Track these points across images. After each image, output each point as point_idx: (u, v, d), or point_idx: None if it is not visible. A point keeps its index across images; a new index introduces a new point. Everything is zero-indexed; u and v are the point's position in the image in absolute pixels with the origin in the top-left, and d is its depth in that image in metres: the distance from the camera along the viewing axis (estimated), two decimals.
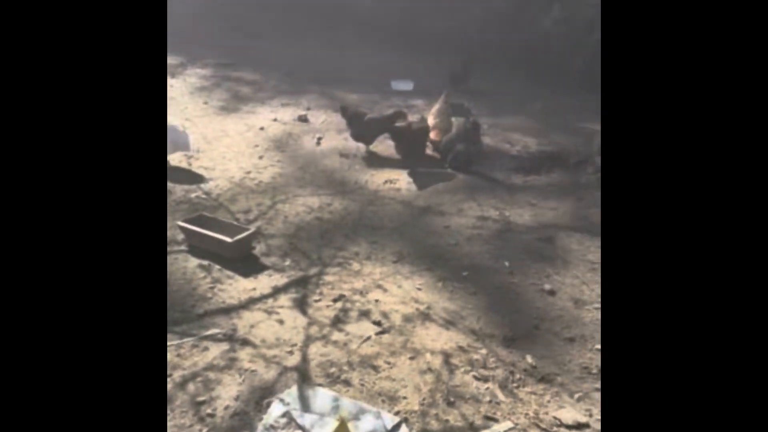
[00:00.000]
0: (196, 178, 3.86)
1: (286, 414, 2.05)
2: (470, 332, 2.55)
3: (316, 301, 2.73)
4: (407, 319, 2.63)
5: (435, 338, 2.50)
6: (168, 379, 2.22)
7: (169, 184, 3.70)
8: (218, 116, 4.90)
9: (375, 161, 4.35)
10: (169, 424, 2.03)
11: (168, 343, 2.40)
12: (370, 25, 7.17)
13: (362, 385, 2.22)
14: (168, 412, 2.08)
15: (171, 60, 6.14)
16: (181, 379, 2.22)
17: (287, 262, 3.02)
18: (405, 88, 5.77)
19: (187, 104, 5.04)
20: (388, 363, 2.34)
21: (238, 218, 3.39)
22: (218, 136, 4.49)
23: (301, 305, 2.69)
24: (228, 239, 2.96)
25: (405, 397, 2.17)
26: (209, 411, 2.10)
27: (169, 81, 5.54)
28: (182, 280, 2.84)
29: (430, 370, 2.31)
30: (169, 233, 3.20)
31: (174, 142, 3.84)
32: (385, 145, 4.53)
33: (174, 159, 3.97)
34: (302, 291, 2.79)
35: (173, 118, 4.01)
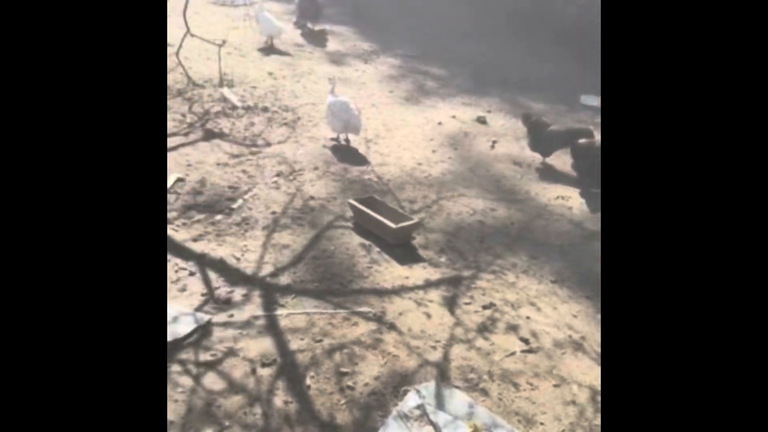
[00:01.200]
0: (369, 161, 4.05)
1: (420, 407, 2.09)
2: None
3: (466, 303, 2.73)
4: (558, 344, 2.52)
5: (585, 371, 2.37)
6: (318, 345, 2.37)
7: (346, 164, 3.92)
8: (401, 106, 5.08)
9: (549, 174, 4.21)
10: (312, 386, 2.18)
11: (322, 311, 2.57)
12: (572, 34, 6.92)
13: (500, 399, 2.19)
14: (313, 375, 2.22)
15: (366, 46, 6.48)
16: (329, 347, 2.37)
17: (443, 259, 3.06)
18: (596, 104, 5.49)
19: (375, 91, 5.29)
20: (530, 384, 2.27)
21: (403, 206, 3.50)
22: (398, 125, 4.66)
23: (451, 304, 2.71)
24: (392, 225, 3.07)
25: (542, 424, 2.10)
26: (350, 383, 2.21)
27: (362, 66, 5.85)
28: (344, 255, 3.01)
29: (574, 402, 2.21)
30: (339, 209, 3.40)
31: (346, 121, 4.04)
32: (562, 160, 4.37)
33: (354, 141, 4.20)
34: (453, 290, 2.81)
35: (352, 100, 4.23)
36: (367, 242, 3.12)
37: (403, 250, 3.07)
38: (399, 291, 2.78)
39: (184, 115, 4.21)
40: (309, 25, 6.57)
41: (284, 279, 2.77)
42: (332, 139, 4.18)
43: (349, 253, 3.03)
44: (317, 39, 6.41)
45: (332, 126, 4.11)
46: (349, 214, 3.33)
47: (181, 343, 2.29)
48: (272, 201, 3.40)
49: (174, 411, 2.00)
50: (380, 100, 5.11)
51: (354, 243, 3.12)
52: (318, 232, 3.18)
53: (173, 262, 2.77)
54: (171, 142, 3.76)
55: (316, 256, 2.97)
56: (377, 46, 6.42)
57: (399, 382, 2.22)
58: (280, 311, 2.54)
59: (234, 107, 4.48)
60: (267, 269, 2.83)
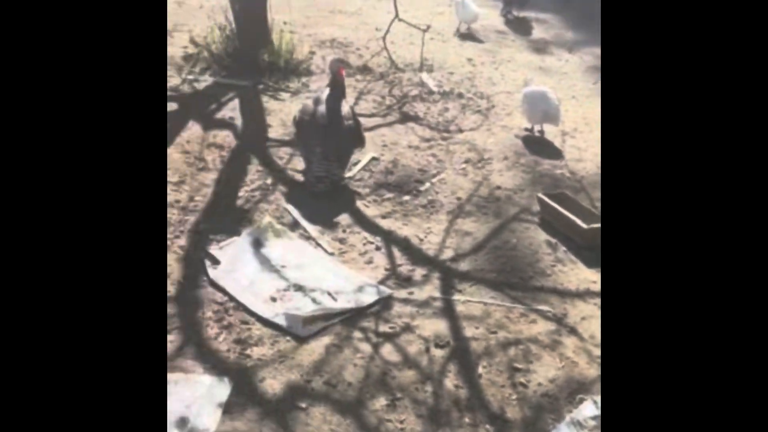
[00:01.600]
0: (563, 155, 3.87)
1: (596, 417, 1.97)
2: None
3: None
4: None
5: None
6: (493, 336, 2.35)
7: (537, 157, 3.80)
8: None
9: None
10: (484, 376, 2.17)
11: (500, 303, 2.54)
12: None
13: None
14: (485, 365, 2.21)
15: (571, 35, 6.17)
16: (504, 341, 2.34)
17: None
18: None
19: (576, 82, 5.03)
20: None
21: (597, 206, 3.29)
22: (598, 120, 4.38)
23: None
24: (583, 224, 2.91)
25: None
26: (522, 380, 2.16)
27: (565, 56, 5.59)
28: (528, 250, 2.93)
29: None
30: (526, 201, 3.31)
31: (544, 111, 3.88)
32: None
33: (549, 133, 4.04)
34: None
35: (551, 90, 4.05)
36: (553, 240, 3.00)
37: (592, 253, 2.90)
38: (583, 295, 2.64)
39: (383, 98, 4.41)
40: (514, 12, 6.43)
41: (464, 265, 2.79)
42: (526, 130, 4.07)
43: (532, 249, 2.94)
44: (521, 26, 6.26)
45: (528, 116, 4.00)
46: (536, 208, 3.23)
47: (364, 311, 2.43)
48: (458, 187, 3.43)
49: (352, 374, 2.14)
50: (581, 92, 4.85)
51: (539, 239, 3.02)
52: (502, 222, 3.13)
53: (362, 236, 2.94)
54: (370, 122, 3.96)
55: (498, 246, 2.94)
56: (584, 36, 6.08)
57: (575, 389, 2.12)
58: (457, 296, 2.57)
59: (430, 92, 4.58)
60: (448, 253, 2.87)
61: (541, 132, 4.04)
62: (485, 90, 4.67)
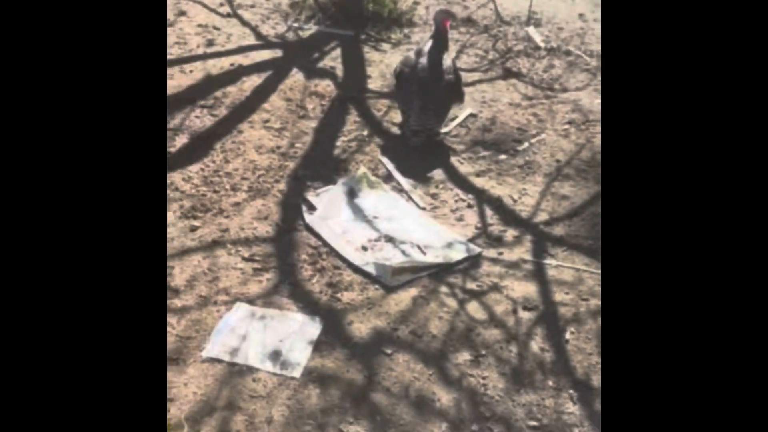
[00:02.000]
0: None
1: None
2: None
3: None
4: None
5: None
6: (584, 303, 2.30)
7: None
8: None
9: None
10: (571, 342, 2.14)
11: (594, 270, 2.46)
12: None
13: None
14: (573, 331, 2.18)
15: None
16: (595, 308, 2.29)
17: None
18: None
19: None
20: None
21: None
22: None
23: None
24: None
25: None
26: None
27: None
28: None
29: None
30: None
31: None
32: None
33: None
34: None
35: None
36: None
37: None
38: None
39: (486, 52, 4.29)
40: None
41: (558, 230, 2.72)
42: None
43: None
44: None
45: None
46: None
47: (452, 267, 2.45)
48: (559, 149, 3.31)
49: (437, 327, 2.18)
50: None
51: None
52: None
53: (454, 192, 2.94)
54: (470, 77, 3.88)
55: (596, 213, 2.83)
56: None
57: None
58: (549, 260, 2.52)
59: (536, 48, 4.40)
60: (542, 216, 2.81)
61: None
62: (595, 48, 4.41)
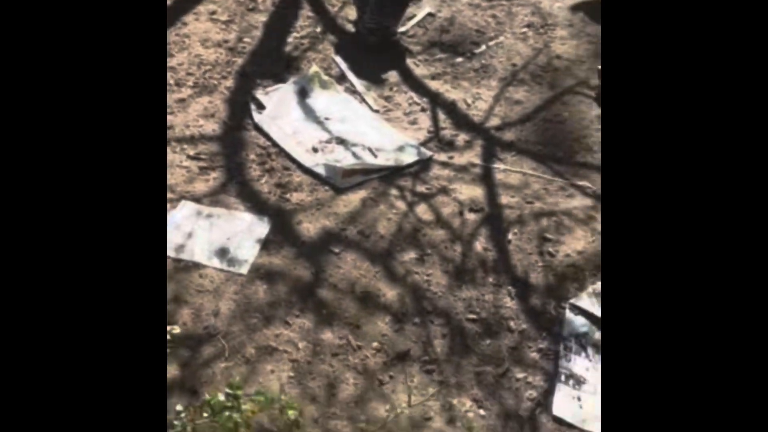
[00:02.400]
0: None
1: None
2: None
3: None
4: None
5: None
6: (528, 206, 2.38)
7: None
8: None
9: None
10: (513, 242, 2.23)
11: (540, 175, 2.53)
12: None
13: None
14: (516, 232, 2.27)
15: None
16: (538, 211, 2.37)
17: None
18: None
19: None
20: None
21: None
22: None
23: None
24: None
25: None
26: (551, 250, 2.22)
27: None
28: (578, 125, 2.85)
29: None
30: (585, 74, 3.15)
31: None
32: None
33: None
34: None
35: None
36: None
37: None
38: None
39: None
40: None
41: (509, 135, 2.75)
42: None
43: (583, 124, 2.85)
44: None
45: None
46: (596, 81, 3.08)
47: (402, 170, 2.46)
48: (516, 52, 3.27)
49: (385, 228, 2.23)
50: None
51: (592, 114, 2.92)
52: (555, 94, 3.02)
53: (408, 95, 2.90)
54: None
55: (547, 119, 2.86)
56: None
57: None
58: (497, 165, 2.56)
59: None
60: (494, 121, 2.82)
61: None
62: None
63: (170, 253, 2.01)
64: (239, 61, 2.88)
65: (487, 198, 2.40)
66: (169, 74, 2.72)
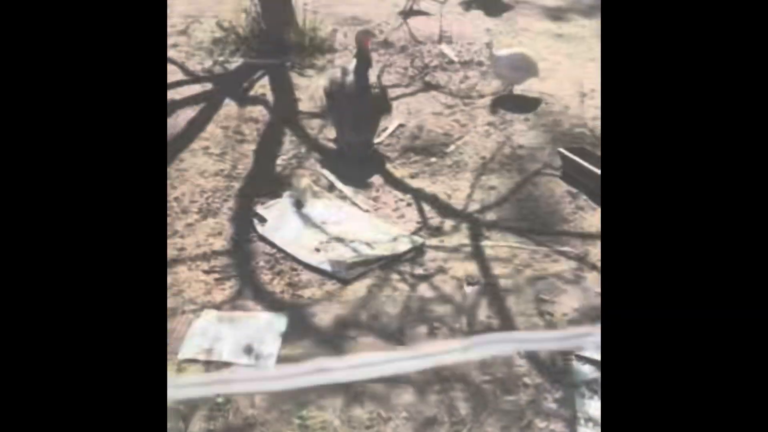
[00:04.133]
0: (583, 116, 4.07)
1: None
2: None
3: None
4: None
5: None
6: (520, 274, 2.61)
7: (556, 118, 4.01)
8: None
9: None
10: (513, 308, 2.43)
11: (525, 246, 2.79)
12: None
13: None
14: (514, 298, 2.48)
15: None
16: (531, 276, 2.60)
17: None
18: None
19: (594, 46, 5.20)
20: None
21: None
22: None
23: None
24: (598, 172, 3.13)
25: None
26: (549, 309, 2.42)
27: (582, 21, 5.75)
28: (550, 200, 3.18)
29: None
30: (548, 158, 3.53)
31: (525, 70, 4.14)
32: None
33: (568, 94, 4.24)
34: None
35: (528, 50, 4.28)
36: (574, 190, 3.23)
37: None
38: None
39: (405, 69, 4.65)
40: None
41: (490, 216, 3.05)
42: (547, 94, 4.28)
43: (554, 199, 3.18)
44: None
45: (510, 78, 4.19)
46: (558, 163, 3.45)
47: (400, 258, 2.70)
48: (482, 147, 3.67)
49: (394, 309, 2.42)
50: (599, 54, 5.01)
51: (561, 190, 3.25)
52: (525, 177, 3.37)
53: (393, 194, 3.22)
54: (394, 92, 4.21)
55: (522, 198, 3.18)
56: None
57: (598, 315, 2.37)
58: (485, 242, 2.83)
59: (451, 62, 4.80)
60: (474, 206, 3.13)
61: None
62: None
63: (200, 356, 2.16)
64: (236, 185, 3.19)
65: (482, 271, 2.64)
66: (174, 204, 3.00)
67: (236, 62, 4.60)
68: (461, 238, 2.87)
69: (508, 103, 4.14)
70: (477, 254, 2.76)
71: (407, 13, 5.54)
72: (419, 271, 2.64)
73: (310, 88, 4.26)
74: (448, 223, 2.98)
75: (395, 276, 2.61)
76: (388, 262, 2.67)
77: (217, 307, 2.38)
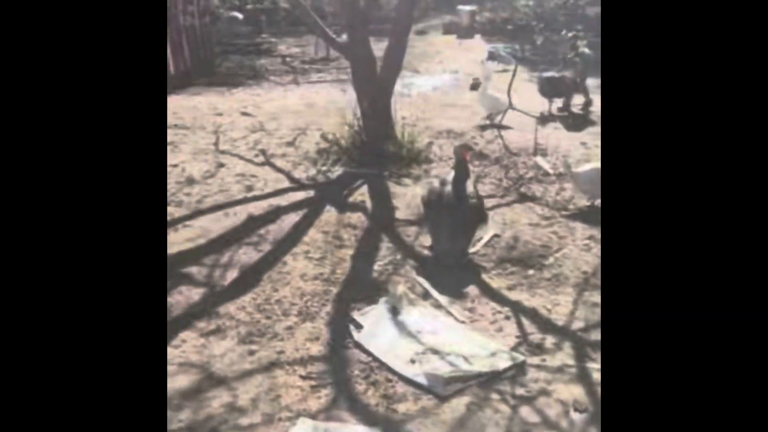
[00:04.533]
0: None
1: None
2: None
3: None
4: None
5: None
6: None
7: None
8: None
9: None
10: None
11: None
12: None
13: None
14: None
15: None
16: None
17: None
18: None
19: None
20: None
21: None
22: None
23: None
24: None
25: None
26: None
27: None
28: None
29: None
30: None
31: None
32: None
33: None
34: None
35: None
36: None
37: None
38: None
39: (500, 180, 4.70)
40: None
41: (595, 335, 2.87)
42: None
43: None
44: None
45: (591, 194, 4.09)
46: None
47: (499, 375, 2.57)
48: (583, 261, 3.55)
49: (494, 431, 2.26)
50: None
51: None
52: None
53: (490, 306, 3.13)
54: (489, 202, 4.23)
55: None
56: None
57: None
58: (592, 364, 2.64)
59: (546, 174, 4.80)
60: (578, 324, 2.96)
61: None
62: None
63: None
64: (334, 289, 3.23)
65: (590, 397, 2.44)
66: (275, 306, 3.06)
67: (338, 171, 4.84)
68: (564, 357, 2.71)
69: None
70: (583, 377, 2.58)
71: (499, 126, 5.69)
72: (521, 391, 2.49)
73: (407, 197, 4.36)
74: (550, 340, 2.83)
75: (495, 395, 2.46)
76: (488, 380, 2.54)
77: (313, 416, 2.33)
